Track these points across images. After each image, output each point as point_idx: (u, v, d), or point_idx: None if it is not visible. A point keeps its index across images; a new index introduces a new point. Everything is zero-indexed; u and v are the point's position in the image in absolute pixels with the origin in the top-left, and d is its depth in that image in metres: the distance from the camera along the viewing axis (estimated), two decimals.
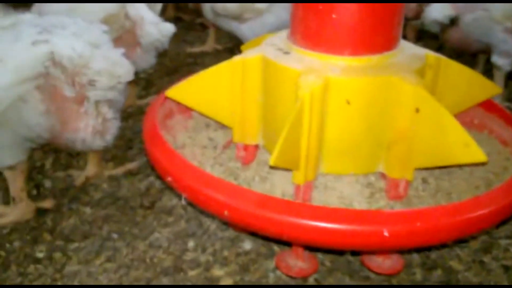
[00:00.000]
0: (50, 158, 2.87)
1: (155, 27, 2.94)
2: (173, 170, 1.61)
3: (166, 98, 2.01)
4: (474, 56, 4.04)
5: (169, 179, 1.63)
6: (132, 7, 2.92)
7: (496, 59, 3.42)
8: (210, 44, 4.54)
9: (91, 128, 2.21)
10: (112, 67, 2.11)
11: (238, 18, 3.40)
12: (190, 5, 4.26)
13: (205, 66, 4.23)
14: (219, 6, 3.39)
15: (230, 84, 1.85)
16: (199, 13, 4.04)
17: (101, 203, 2.55)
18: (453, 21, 3.41)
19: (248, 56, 1.80)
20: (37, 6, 2.96)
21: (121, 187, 2.67)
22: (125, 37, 2.95)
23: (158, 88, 3.81)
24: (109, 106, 2.25)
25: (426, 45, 4.69)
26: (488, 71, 3.74)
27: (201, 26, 5.00)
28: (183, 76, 3.96)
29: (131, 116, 3.37)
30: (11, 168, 2.34)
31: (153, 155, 1.73)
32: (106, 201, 2.56)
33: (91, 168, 2.71)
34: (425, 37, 4.66)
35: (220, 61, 4.34)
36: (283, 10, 3.33)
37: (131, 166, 2.83)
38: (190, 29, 5.15)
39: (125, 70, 2.13)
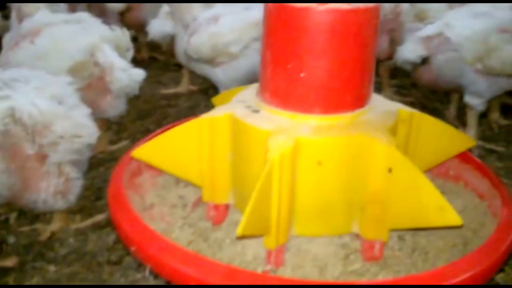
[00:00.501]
0: (15, 212, 2.76)
1: (125, 73, 2.87)
2: (137, 239, 1.53)
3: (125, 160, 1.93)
4: (447, 93, 4.06)
5: (132, 248, 1.54)
6: (101, 54, 2.86)
7: (468, 99, 3.42)
8: (184, 85, 4.49)
9: (53, 188, 2.12)
10: (75, 130, 2.03)
11: (211, 62, 3.35)
12: (164, 45, 4.21)
13: (179, 108, 4.20)
14: (192, 49, 3.34)
15: (198, 143, 1.78)
16: (173, 53, 4.02)
17: (66, 259, 2.44)
18: (425, 61, 3.42)
19: (216, 115, 1.74)
20: (3, 54, 2.89)
21: (88, 241, 2.57)
22: (94, 84, 2.89)
23: (131, 133, 3.73)
24: (72, 165, 2.16)
25: (400, 83, 4.73)
26: (462, 108, 3.75)
27: (176, 66, 4.97)
28: (156, 120, 3.94)
29: (102, 163, 3.27)
30: None
31: (117, 222, 1.64)
32: (71, 257, 2.46)
33: (56, 222, 2.61)
34: (399, 75, 4.67)
35: (194, 103, 4.30)
36: (257, 54, 3.28)
37: (99, 218, 2.73)
38: (165, 70, 5.10)
39: (89, 132, 2.06)
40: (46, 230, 2.59)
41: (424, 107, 4.10)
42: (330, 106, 1.66)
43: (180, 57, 3.65)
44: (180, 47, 3.56)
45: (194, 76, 4.56)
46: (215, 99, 2.29)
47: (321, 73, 1.62)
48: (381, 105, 1.81)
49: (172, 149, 1.81)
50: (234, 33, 3.25)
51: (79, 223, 2.67)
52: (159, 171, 2.10)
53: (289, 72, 1.63)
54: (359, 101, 1.71)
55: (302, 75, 1.61)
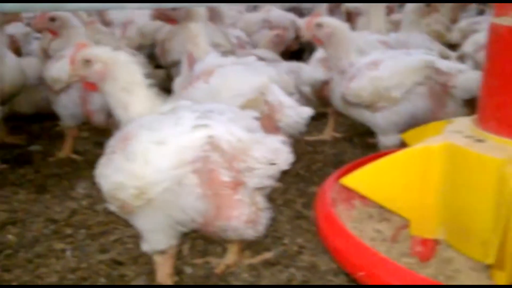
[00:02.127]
0: (187, 244, 2.83)
1: (293, 111, 2.93)
2: (367, 265, 1.49)
3: (327, 187, 1.93)
4: None
5: (360, 274, 1.50)
6: (270, 93, 2.95)
7: None
8: (328, 133, 4.50)
9: (245, 217, 2.14)
10: (271, 155, 2.06)
11: (371, 106, 3.33)
12: (313, 92, 4.27)
13: (325, 154, 4.20)
14: (352, 94, 3.35)
15: (409, 173, 1.74)
16: (322, 99, 4.07)
17: None
18: None
19: (433, 144, 1.70)
20: (177, 95, 3.06)
21: (261, 277, 2.56)
22: (263, 123, 2.96)
23: (282, 177, 3.74)
24: (262, 195, 2.20)
25: None
26: None
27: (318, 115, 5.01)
28: (305, 165, 3.96)
29: None
30: (162, 252, 2.30)
31: (337, 247, 1.62)
32: None
33: (230, 256, 2.64)
34: None
35: (339, 150, 4.27)
36: (420, 98, 3.24)
37: (268, 255, 2.73)
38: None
39: (284, 158, 2.08)
40: (220, 263, 2.63)
41: None
42: None
43: (336, 102, 3.67)
44: (337, 92, 3.58)
45: (338, 124, 4.56)
46: (406, 135, 2.24)
47: None
48: None
49: (381, 178, 1.78)
50: (395, 77, 3.22)
51: (250, 259, 2.69)
52: (352, 205, 2.08)
53: None
54: None
55: None
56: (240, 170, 2.07)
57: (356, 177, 1.78)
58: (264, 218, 2.20)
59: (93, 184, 3.55)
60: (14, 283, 2.57)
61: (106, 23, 5.82)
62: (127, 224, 3.04)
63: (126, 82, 2.39)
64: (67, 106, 3.84)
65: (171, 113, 2.27)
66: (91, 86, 2.49)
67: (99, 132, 4.57)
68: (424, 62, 3.23)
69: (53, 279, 2.59)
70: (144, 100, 2.41)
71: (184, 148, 2.08)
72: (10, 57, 4.09)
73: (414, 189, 1.75)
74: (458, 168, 1.65)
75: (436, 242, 1.79)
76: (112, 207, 2.28)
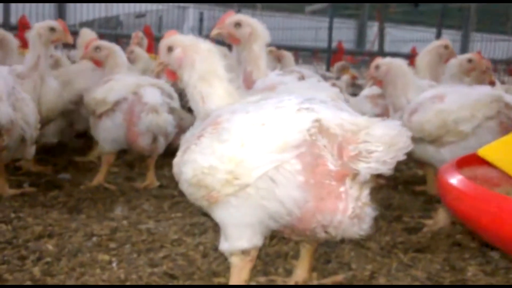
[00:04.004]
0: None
1: None
2: None
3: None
4: None
5: None
6: None
7: None
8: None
9: (351, 211, 1.91)
10: (393, 137, 1.85)
11: (436, 141, 3.17)
12: None
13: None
14: (415, 127, 3.17)
15: None
16: None
17: None
18: None
19: None
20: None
21: None
22: None
23: None
24: (368, 189, 1.97)
25: None
26: None
27: None
28: None
29: None
30: (243, 253, 2.04)
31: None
32: None
33: (300, 273, 2.37)
34: None
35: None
36: (489, 133, 3.09)
37: (339, 278, 2.47)
38: None
39: (404, 141, 1.86)
40: (290, 280, 2.36)
41: None
42: None
43: None
44: None
45: None
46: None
47: None
48: None
49: None
50: (465, 110, 3.10)
51: (321, 279, 2.43)
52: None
53: None
54: None
55: None
56: (353, 156, 1.84)
57: (492, 149, 1.60)
58: (369, 215, 1.97)
59: (132, 209, 3.37)
60: None
61: None
62: (176, 243, 2.81)
63: (205, 72, 2.25)
64: (109, 130, 3.67)
65: (262, 101, 2.10)
66: (171, 75, 2.35)
67: (129, 167, 4.39)
68: (494, 96, 3.12)
69: None
70: (222, 93, 2.26)
71: (288, 130, 1.88)
72: (51, 79, 3.98)
73: None
74: None
75: None
76: (194, 197, 2.06)
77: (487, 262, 2.71)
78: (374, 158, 1.81)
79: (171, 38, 2.32)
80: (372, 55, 7.72)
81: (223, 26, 3.18)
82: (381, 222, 3.22)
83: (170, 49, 2.29)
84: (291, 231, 2.04)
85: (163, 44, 2.32)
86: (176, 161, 2.14)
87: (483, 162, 1.87)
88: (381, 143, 1.80)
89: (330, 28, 9.76)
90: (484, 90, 3.22)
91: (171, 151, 4.13)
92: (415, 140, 3.27)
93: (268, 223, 1.96)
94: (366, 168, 1.83)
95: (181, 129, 4.26)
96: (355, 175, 1.88)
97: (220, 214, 2.01)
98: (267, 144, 1.88)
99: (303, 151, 1.87)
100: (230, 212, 1.97)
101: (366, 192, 1.94)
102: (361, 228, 1.95)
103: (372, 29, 11.86)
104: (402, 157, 1.84)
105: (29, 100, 3.39)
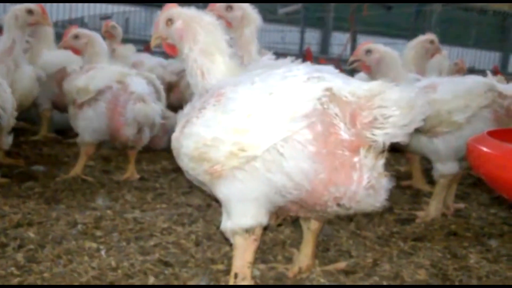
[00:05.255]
0: None
1: None
2: None
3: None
4: None
5: None
6: None
7: None
8: None
9: (366, 181, 1.82)
10: (410, 100, 1.76)
11: (429, 132, 3.12)
12: None
13: None
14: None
15: None
16: None
17: None
18: None
19: None
20: None
21: (342, 284, 2.19)
22: None
23: None
24: (383, 159, 1.88)
25: None
26: None
27: None
28: None
29: None
30: (247, 232, 1.92)
31: None
32: None
33: (304, 259, 2.26)
34: None
35: None
36: (483, 123, 3.04)
37: (342, 265, 2.37)
38: None
39: (421, 104, 1.77)
40: (294, 266, 2.25)
41: None
42: None
43: None
44: None
45: None
46: None
47: None
48: None
49: None
50: (459, 100, 3.06)
51: (324, 266, 2.32)
52: None
53: None
54: None
55: None
56: (367, 123, 1.75)
57: None
58: (385, 186, 1.87)
59: (114, 200, 3.19)
60: (46, 274, 2.11)
61: None
62: (166, 232, 2.67)
63: (207, 45, 2.13)
64: (91, 120, 3.48)
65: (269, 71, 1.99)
66: (171, 49, 2.24)
67: (105, 160, 4.20)
68: (488, 85, 3.08)
69: (91, 274, 2.14)
70: (223, 68, 2.14)
71: (297, 99, 1.78)
72: (25, 65, 3.78)
73: None
74: None
75: None
76: (195, 173, 1.93)
77: (487, 250, 2.66)
78: (390, 123, 1.73)
79: (172, 10, 2.19)
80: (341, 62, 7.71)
81: (214, 8, 3.07)
82: (373, 214, 3.14)
83: (170, 21, 2.17)
84: (300, 207, 1.93)
85: (162, 17, 2.20)
86: (175, 135, 2.01)
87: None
88: (398, 107, 1.72)
89: (302, 32, 9.75)
90: (477, 80, 3.18)
91: (149, 147, 4.00)
92: None
93: (275, 198, 1.85)
94: (383, 134, 1.74)
95: (165, 129, 4.12)
96: (369, 145, 1.79)
97: (223, 189, 1.89)
98: (276, 114, 1.77)
99: (313, 120, 1.77)
100: (234, 187, 1.85)
101: (381, 162, 1.85)
102: (376, 199, 1.86)
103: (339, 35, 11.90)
104: (419, 122, 1.77)
105: (6, 86, 3.19)
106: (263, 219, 1.90)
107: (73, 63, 4.50)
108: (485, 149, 1.74)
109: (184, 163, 1.96)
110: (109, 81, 3.46)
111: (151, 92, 3.55)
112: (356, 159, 1.79)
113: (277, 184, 1.80)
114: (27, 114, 4.75)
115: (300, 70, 1.88)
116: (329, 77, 1.84)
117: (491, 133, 1.88)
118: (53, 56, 4.54)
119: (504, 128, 1.94)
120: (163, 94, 3.79)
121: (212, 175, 1.87)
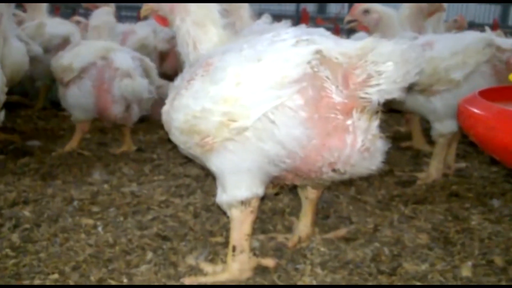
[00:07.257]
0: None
1: None
2: None
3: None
4: None
5: None
6: None
7: None
8: None
9: (360, 144, 1.76)
10: (403, 52, 1.65)
11: (426, 90, 3.05)
12: None
13: None
14: None
15: None
16: None
17: (326, 267, 2.04)
18: None
19: None
20: None
21: (342, 251, 2.16)
22: None
23: None
24: (377, 120, 1.82)
25: None
26: None
27: None
28: None
29: None
30: (243, 203, 1.88)
31: None
32: (333, 265, 2.05)
33: (303, 228, 2.24)
34: None
35: None
36: (483, 79, 2.97)
37: (342, 232, 2.35)
38: None
39: (415, 57, 1.69)
40: (293, 236, 2.22)
41: None
42: None
43: None
44: None
45: None
46: None
47: None
48: None
49: None
50: (457, 57, 2.98)
51: (323, 234, 2.29)
52: None
53: None
54: None
55: None
56: (360, 82, 1.68)
57: None
58: (380, 148, 1.82)
59: (111, 173, 3.15)
60: (42, 254, 2.08)
61: None
62: (163, 205, 2.64)
63: (199, 16, 2.06)
64: (78, 98, 3.39)
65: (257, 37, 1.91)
66: (162, 20, 2.17)
67: (101, 132, 4.15)
68: (486, 41, 3.00)
69: (88, 252, 2.12)
70: (216, 40, 2.07)
71: (286, 64, 1.71)
72: (15, 39, 3.68)
73: None
74: None
75: None
76: (187, 146, 1.88)
77: (489, 210, 2.63)
78: (385, 78, 1.65)
79: None
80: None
81: None
82: (373, 177, 3.10)
83: None
84: (295, 175, 1.88)
85: None
86: (165, 109, 1.96)
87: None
88: (392, 61, 1.64)
89: None
90: (475, 35, 3.10)
91: (146, 117, 3.94)
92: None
93: (268, 168, 1.80)
94: (377, 92, 1.67)
95: (160, 98, 4.03)
96: (363, 107, 1.73)
97: (216, 162, 1.84)
98: (265, 80, 1.71)
99: (304, 85, 1.70)
100: (226, 158, 1.80)
101: (375, 123, 1.79)
102: (372, 162, 1.82)
103: None
104: (414, 76, 1.69)
105: None
106: (259, 190, 1.86)
107: (75, 34, 4.45)
108: (475, 110, 1.68)
109: (176, 136, 1.91)
110: (92, 57, 3.35)
111: (137, 66, 3.43)
112: (349, 122, 1.74)
113: (269, 153, 1.75)
114: (22, 88, 4.70)
115: (289, 34, 1.81)
116: (319, 40, 1.77)
117: (483, 93, 1.81)
118: (57, 27, 4.47)
119: (496, 87, 1.87)
120: (154, 71, 3.66)
121: (203, 147, 1.82)
